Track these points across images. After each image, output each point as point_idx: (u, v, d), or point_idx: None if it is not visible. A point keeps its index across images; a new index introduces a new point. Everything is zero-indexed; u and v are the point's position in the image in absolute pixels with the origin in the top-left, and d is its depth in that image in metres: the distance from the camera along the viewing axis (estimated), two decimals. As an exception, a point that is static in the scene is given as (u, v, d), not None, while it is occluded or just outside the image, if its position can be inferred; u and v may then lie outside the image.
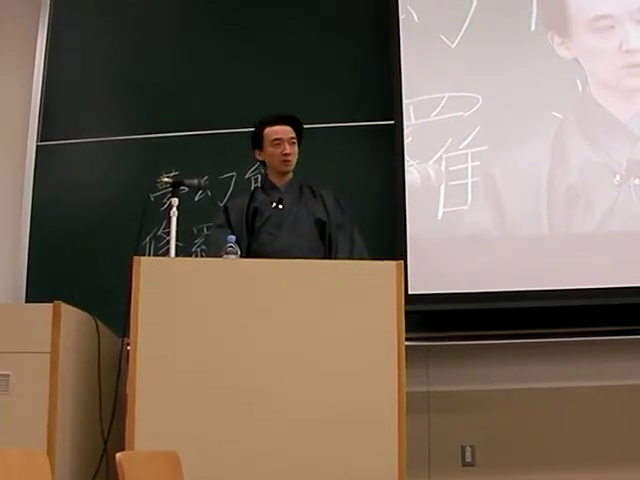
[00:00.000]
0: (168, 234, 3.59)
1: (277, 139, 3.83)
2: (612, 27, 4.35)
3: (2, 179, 4.94)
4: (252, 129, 3.95)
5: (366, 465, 3.05)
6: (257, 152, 3.91)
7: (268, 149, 3.86)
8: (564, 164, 4.31)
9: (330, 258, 3.75)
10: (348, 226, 3.86)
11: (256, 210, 3.84)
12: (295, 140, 3.86)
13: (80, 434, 3.47)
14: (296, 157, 3.89)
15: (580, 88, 4.36)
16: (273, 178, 3.92)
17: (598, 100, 4.34)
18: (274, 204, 3.83)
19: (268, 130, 3.86)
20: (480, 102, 4.43)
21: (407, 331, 3.18)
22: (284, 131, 3.84)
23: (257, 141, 3.89)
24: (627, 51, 4.32)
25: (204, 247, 4.47)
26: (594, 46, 4.38)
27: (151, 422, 3.03)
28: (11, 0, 5.18)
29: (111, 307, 3.48)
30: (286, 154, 3.82)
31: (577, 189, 4.26)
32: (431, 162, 4.42)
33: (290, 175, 3.93)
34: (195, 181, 3.79)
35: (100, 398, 3.55)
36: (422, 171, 4.42)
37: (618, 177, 4.22)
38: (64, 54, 5.02)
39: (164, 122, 4.80)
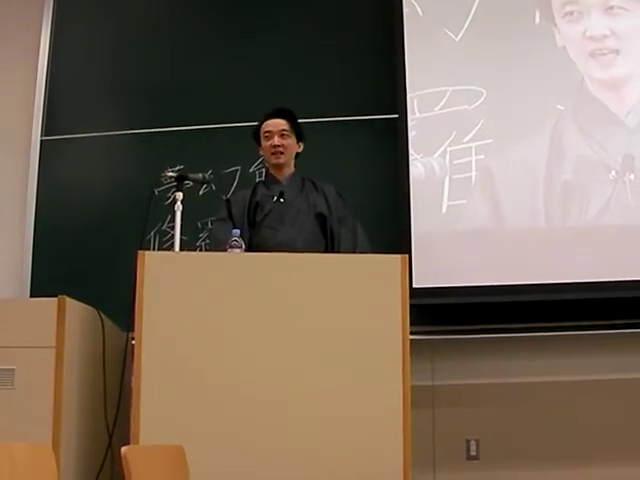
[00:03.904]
0: (173, 228, 3.59)
1: (267, 132, 3.88)
2: (578, 14, 4.34)
3: (7, 174, 4.94)
4: (256, 124, 3.97)
5: (371, 459, 3.05)
6: (259, 148, 3.96)
7: (262, 143, 3.91)
8: (567, 158, 4.30)
9: (332, 252, 3.76)
10: (350, 220, 3.87)
11: (257, 204, 3.85)
12: (287, 132, 3.88)
13: (85, 428, 3.48)
14: (293, 149, 3.91)
15: (581, 82, 4.35)
16: (274, 172, 3.94)
17: (595, 94, 4.33)
18: (275, 198, 3.84)
19: (262, 125, 3.92)
20: (484, 95, 4.42)
21: (411, 325, 3.18)
22: (274, 124, 3.88)
23: (257, 137, 3.95)
24: (590, 38, 4.32)
25: (208, 241, 4.47)
26: (567, 32, 4.38)
27: (156, 416, 3.03)
28: (15, -4, 5.20)
29: (116, 301, 3.49)
30: (275, 146, 3.85)
31: (573, 184, 4.27)
32: (435, 156, 4.41)
33: (292, 169, 3.94)
34: (199, 175, 3.81)
35: (105, 392, 3.56)
36: (426, 165, 4.41)
37: (614, 172, 4.22)
38: (68, 49, 5.01)
39: (168, 116, 4.79)
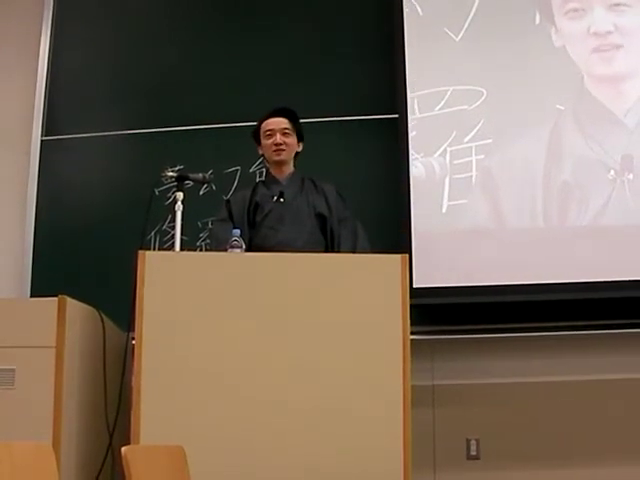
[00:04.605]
0: (173, 228, 3.59)
1: (269, 130, 3.89)
2: (582, 10, 4.35)
3: (7, 174, 4.94)
4: (256, 124, 3.98)
5: (371, 458, 3.05)
6: (259, 148, 3.97)
7: (263, 141, 3.91)
8: (566, 158, 4.30)
9: (332, 252, 3.76)
10: (350, 220, 3.87)
11: (257, 204, 3.85)
12: (289, 131, 3.89)
13: (86, 428, 3.48)
14: (293, 148, 3.92)
15: (580, 81, 4.35)
16: (274, 172, 3.95)
17: (594, 93, 4.33)
18: (275, 198, 3.85)
19: (263, 124, 3.92)
20: (484, 95, 4.42)
21: (412, 325, 3.18)
22: (276, 122, 3.89)
23: (256, 137, 3.95)
24: (594, 34, 4.32)
25: (209, 241, 4.48)
26: (569, 30, 4.38)
27: (157, 416, 3.03)
28: (15, -5, 5.20)
29: (116, 301, 3.49)
30: (277, 144, 3.85)
31: (572, 184, 4.27)
32: (436, 155, 4.41)
33: (291, 169, 3.95)
34: (200, 175, 3.81)
35: (105, 392, 3.56)
36: (427, 165, 4.41)
37: (612, 172, 4.22)
38: (68, 49, 5.01)
39: (169, 116, 4.79)
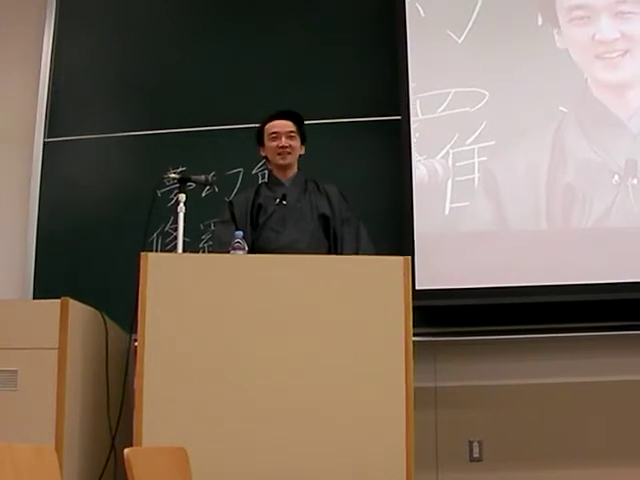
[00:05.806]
0: (175, 230, 3.59)
1: (274, 132, 3.87)
2: (587, 17, 4.34)
3: (10, 176, 4.95)
4: (259, 125, 3.97)
5: (374, 460, 3.05)
6: (261, 149, 3.96)
7: (267, 143, 3.90)
8: (570, 161, 4.30)
9: (335, 253, 3.76)
10: (353, 221, 3.87)
11: (260, 206, 3.85)
12: (294, 134, 3.88)
13: (88, 430, 3.47)
14: (298, 151, 3.91)
15: (584, 84, 4.35)
16: (277, 173, 3.94)
17: (598, 97, 4.33)
18: (278, 200, 3.84)
19: (267, 125, 3.91)
20: (487, 97, 4.42)
21: (414, 327, 3.18)
22: (281, 125, 3.88)
23: (259, 137, 3.94)
24: (599, 42, 4.32)
25: (211, 243, 4.48)
26: (573, 35, 4.38)
27: (159, 418, 3.03)
28: (18, -3, 5.20)
29: (119, 303, 3.49)
30: (282, 147, 3.85)
31: (575, 187, 4.27)
32: (438, 157, 4.41)
33: (295, 170, 3.94)
34: (202, 177, 3.80)
35: (108, 394, 3.56)
36: (429, 167, 4.41)
37: (616, 177, 4.22)
38: (71, 50, 5.01)
39: (171, 118, 4.80)
